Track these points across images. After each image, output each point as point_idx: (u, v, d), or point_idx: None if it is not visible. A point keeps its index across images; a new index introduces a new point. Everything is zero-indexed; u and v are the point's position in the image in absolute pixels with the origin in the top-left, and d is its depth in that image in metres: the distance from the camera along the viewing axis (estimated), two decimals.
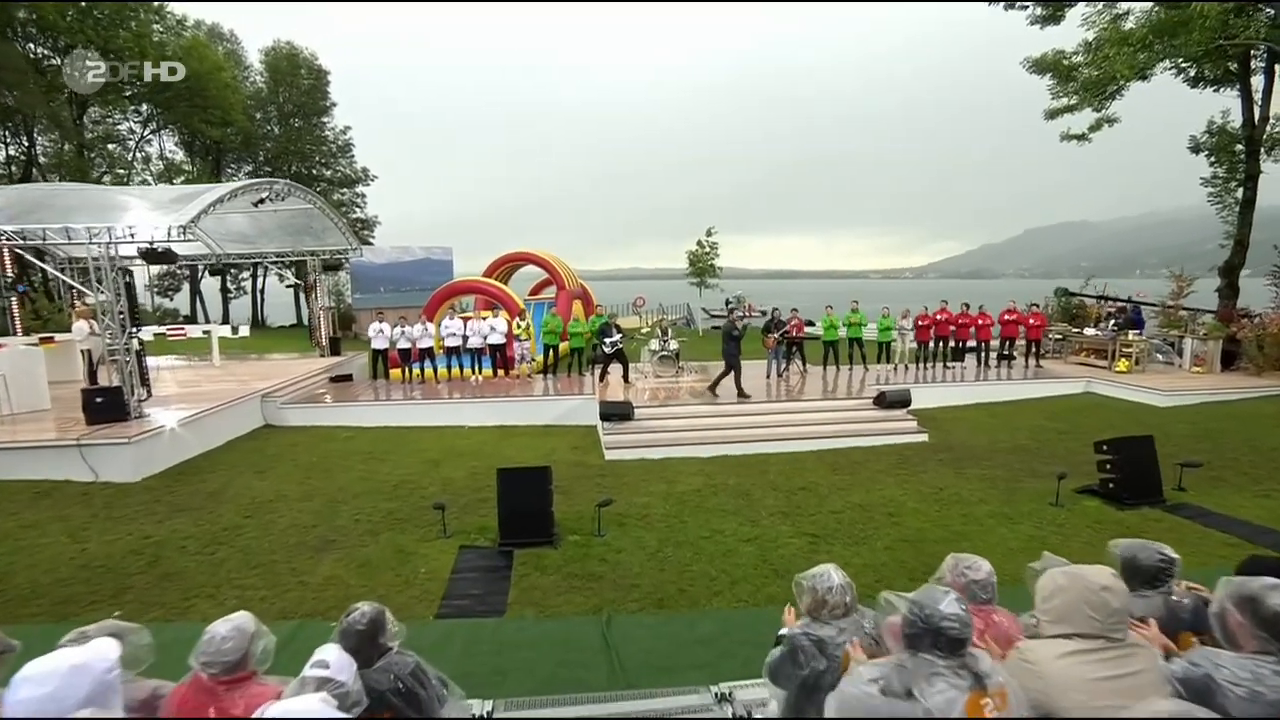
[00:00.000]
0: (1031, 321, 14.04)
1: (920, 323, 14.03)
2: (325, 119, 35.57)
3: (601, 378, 12.88)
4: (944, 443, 9.84)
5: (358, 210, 36.69)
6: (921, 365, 14.14)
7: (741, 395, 11.22)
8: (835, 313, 14.22)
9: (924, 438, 10.02)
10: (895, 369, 14.06)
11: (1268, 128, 15.38)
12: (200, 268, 31.36)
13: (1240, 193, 16.05)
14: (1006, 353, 14.37)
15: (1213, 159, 16.52)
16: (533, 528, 6.25)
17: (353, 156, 36.50)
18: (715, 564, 5.91)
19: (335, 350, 15.88)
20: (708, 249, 28.15)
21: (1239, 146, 15.89)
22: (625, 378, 12.99)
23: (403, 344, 13.06)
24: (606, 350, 12.47)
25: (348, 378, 13.72)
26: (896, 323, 14.19)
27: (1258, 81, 15.47)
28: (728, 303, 22.81)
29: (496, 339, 13.26)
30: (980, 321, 14.07)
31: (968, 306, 14.19)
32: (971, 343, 14.52)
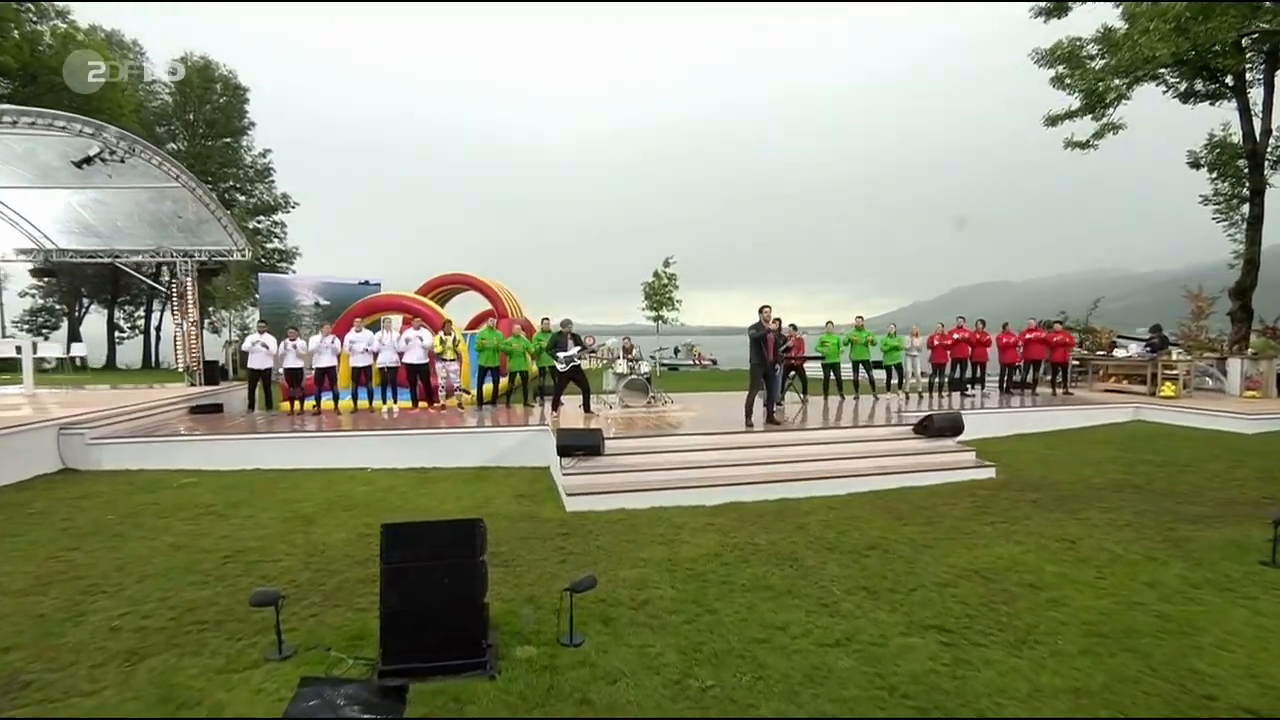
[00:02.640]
0: (1057, 341, 12.06)
1: (936, 342, 11.87)
2: (242, 140, 32.21)
3: (554, 406, 10.03)
4: (1018, 479, 7.43)
5: (276, 240, 33.06)
6: (936, 393, 11.91)
7: (748, 422, 8.62)
8: (835, 330, 11.90)
9: (991, 472, 7.59)
10: (906, 397, 11.77)
11: (1271, 140, 14.37)
12: (57, 287, 26.87)
13: (1246, 209, 14.91)
14: (1029, 378, 12.33)
15: (1215, 175, 15.44)
16: (447, 636, 3.33)
17: (272, 181, 33.09)
18: (800, 698, 3.12)
19: (213, 379, 12.42)
20: (665, 280, 25.98)
21: (1241, 161, 14.83)
22: (585, 406, 10.18)
23: (292, 361, 9.90)
24: (560, 367, 9.67)
25: (216, 409, 10.35)
26: (906, 342, 11.97)
27: (1256, 95, 14.53)
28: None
29: (416, 356, 10.24)
30: (1003, 341, 12.03)
31: (984, 324, 12.16)
32: (971, 370, 12.40)
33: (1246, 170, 14.79)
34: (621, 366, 11.29)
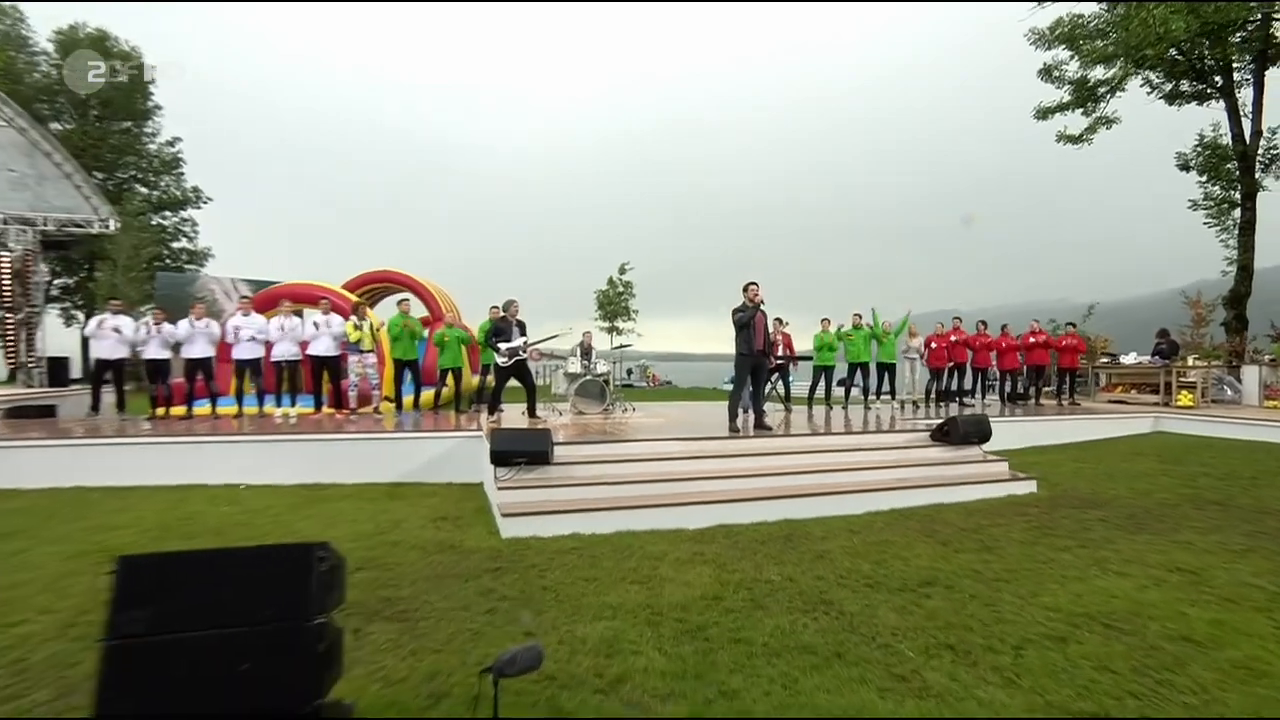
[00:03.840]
0: (1065, 345, 11.14)
1: (934, 344, 10.78)
2: (146, 125, 29.51)
3: (492, 410, 8.42)
4: (1067, 494, 6.22)
5: (185, 239, 30.27)
6: (934, 402, 10.79)
7: (732, 427, 7.24)
8: (831, 326, 10.71)
9: (1032, 486, 6.37)
10: (903, 406, 10.61)
11: (1263, 142, 14.08)
12: None
13: (1238, 213, 14.57)
14: (1031, 387, 11.38)
15: (1205, 177, 15.10)
16: None
17: (181, 173, 30.38)
18: None
19: (61, 379, 10.25)
20: (621, 288, 24.61)
21: (1231, 164, 14.51)
22: (530, 410, 8.61)
23: (154, 352, 8.01)
24: (500, 360, 8.10)
25: (45, 411, 8.31)
26: (902, 343, 10.85)
27: (1245, 95, 14.27)
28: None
29: (324, 346, 8.47)
30: (1003, 345, 11.04)
31: (984, 325, 11.17)
32: (972, 377, 11.41)
33: (1237, 173, 14.47)
34: (574, 366, 9.76)
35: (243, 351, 8.27)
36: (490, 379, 8.70)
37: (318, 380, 8.78)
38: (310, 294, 10.82)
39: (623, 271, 24.97)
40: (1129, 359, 11.95)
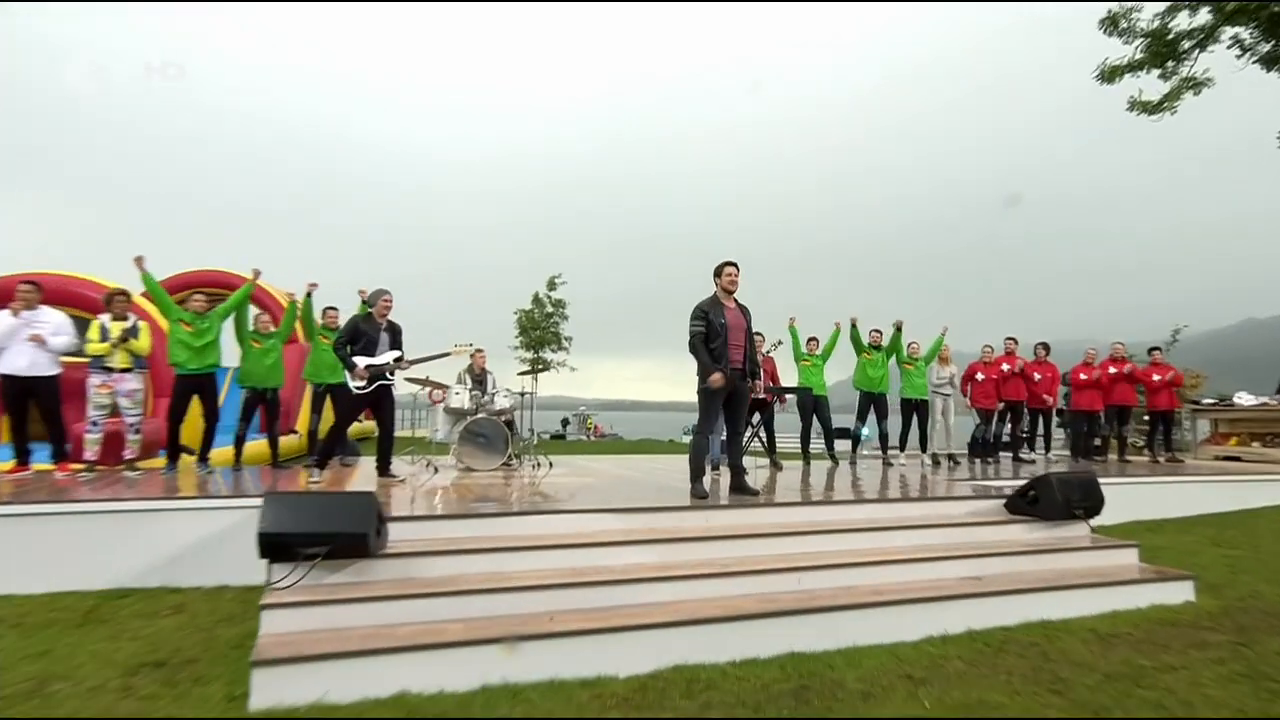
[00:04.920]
0: (1156, 379, 9.98)
1: (979, 375, 9.53)
2: None
3: (324, 461, 6.64)
4: (1246, 603, 4.83)
5: None
6: (982, 457, 9.53)
7: (699, 490, 5.67)
8: (819, 348, 9.43)
9: (1187, 590, 4.93)
10: (936, 462, 9.35)
11: None
12: None
13: None
14: (1111, 435, 10.20)
15: None
16: None
17: None
18: None
19: None
20: (550, 307, 23.00)
21: None
22: (382, 465, 6.85)
23: None
24: (355, 385, 6.41)
25: None
26: (932, 374, 9.55)
27: None
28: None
29: (35, 361, 6.52)
30: (1078, 378, 9.93)
31: (1046, 349, 10.03)
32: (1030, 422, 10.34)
33: None
34: (459, 399, 8.06)
35: None
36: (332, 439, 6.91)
37: (51, 425, 6.78)
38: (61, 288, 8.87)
39: (553, 286, 23.41)
40: (1245, 399, 10.90)
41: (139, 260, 6.68)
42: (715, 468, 7.83)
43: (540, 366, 20.64)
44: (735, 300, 5.81)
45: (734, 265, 5.77)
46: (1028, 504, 5.58)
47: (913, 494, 6.46)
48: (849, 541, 5.11)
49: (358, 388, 6.42)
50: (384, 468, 6.77)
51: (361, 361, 6.45)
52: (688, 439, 9.16)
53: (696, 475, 5.77)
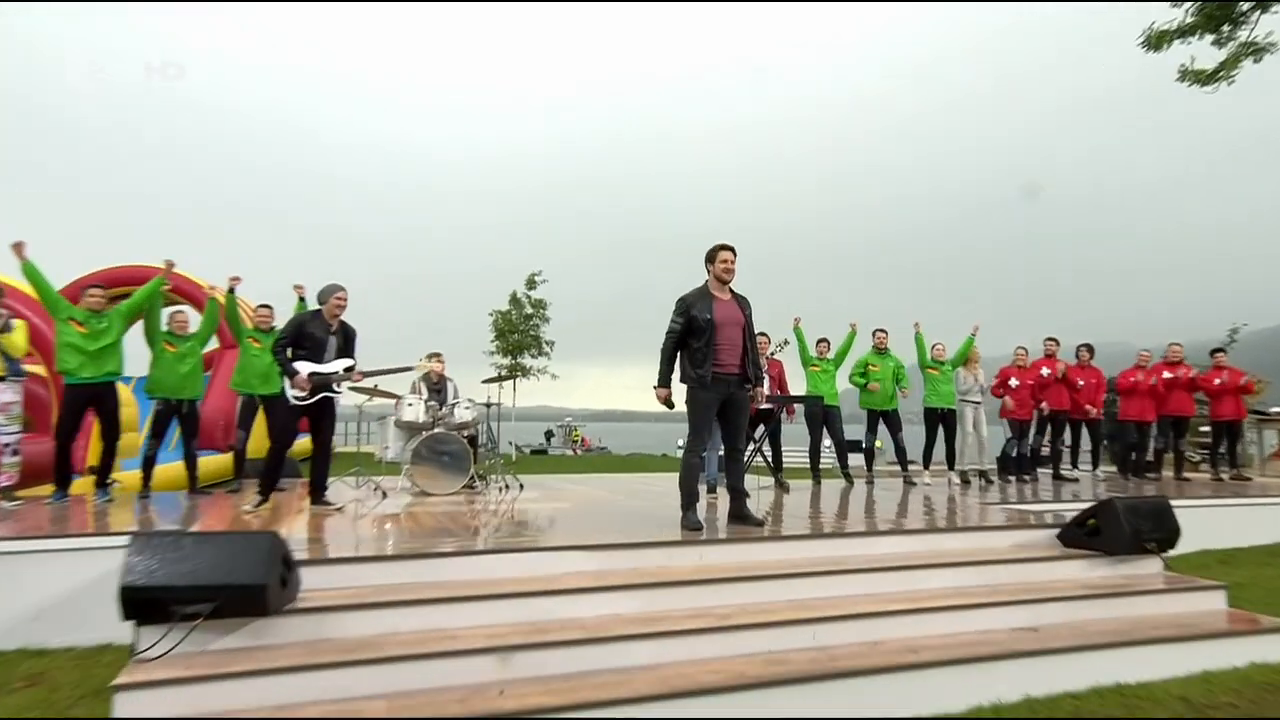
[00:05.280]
0: (1218, 382, 9.45)
1: (1013, 382, 9.02)
2: None
3: (267, 491, 6.02)
4: None
5: None
6: (1016, 477, 9.10)
7: (691, 520, 5.10)
8: (830, 351, 9.14)
9: None
10: (965, 481, 8.97)
11: None
12: None
13: None
14: (1165, 447, 9.73)
15: None
16: None
17: None
18: None
19: None
20: (530, 308, 22.37)
21: None
22: (315, 491, 6.24)
23: None
24: (294, 394, 5.84)
25: None
26: (960, 380, 9.06)
27: None
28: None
29: None
30: (1127, 383, 9.45)
31: (1090, 351, 9.56)
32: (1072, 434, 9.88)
33: None
34: (414, 411, 7.48)
35: None
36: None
37: None
38: None
39: (532, 285, 22.76)
40: None
41: (18, 247, 6.04)
42: (712, 490, 7.31)
43: (508, 374, 20.00)
44: (731, 291, 5.28)
45: (730, 250, 5.24)
46: (1087, 535, 5.02)
47: (947, 522, 5.92)
48: (874, 583, 4.54)
49: (297, 398, 5.82)
50: (318, 493, 6.16)
51: (305, 368, 5.84)
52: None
53: (689, 501, 5.20)
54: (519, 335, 22.16)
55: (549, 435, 39.47)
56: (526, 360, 22.24)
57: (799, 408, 8.80)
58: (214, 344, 9.05)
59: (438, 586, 3.99)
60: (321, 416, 6.11)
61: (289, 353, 5.85)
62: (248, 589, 3.26)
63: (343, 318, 6.13)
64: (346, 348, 6.10)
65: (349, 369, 6.06)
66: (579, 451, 32.87)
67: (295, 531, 5.13)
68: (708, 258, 5.26)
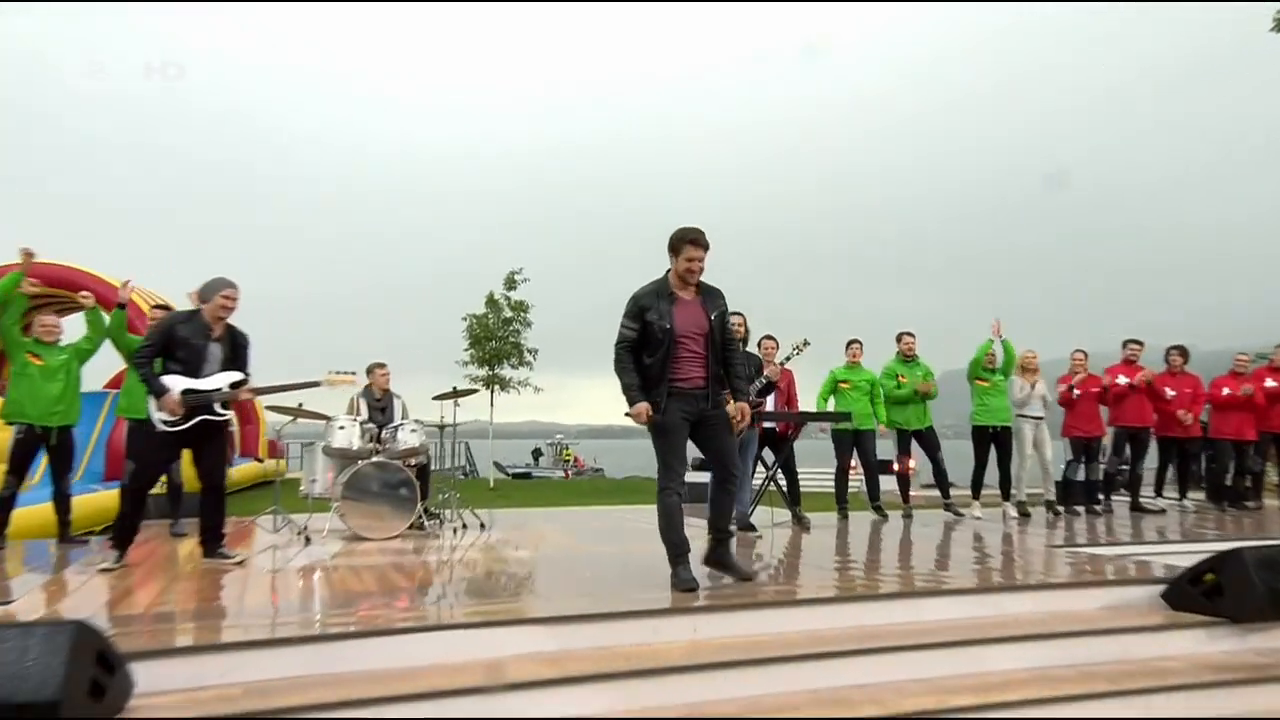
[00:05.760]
0: None
1: (1077, 391, 8.61)
2: None
3: (122, 544, 5.28)
4: None
5: None
6: (1087, 506, 8.67)
7: (683, 578, 4.41)
8: (861, 356, 8.65)
9: None
10: (1022, 513, 8.46)
11: None
12: None
13: None
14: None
15: None
16: None
17: None
18: None
19: None
20: (509, 311, 21.80)
21: None
22: (208, 539, 5.48)
23: None
24: (156, 419, 5.16)
25: None
26: (1016, 388, 8.61)
27: None
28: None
29: None
30: (1219, 395, 9.01)
31: (1183, 355, 9.20)
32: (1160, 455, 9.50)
33: None
34: (346, 436, 6.80)
35: None
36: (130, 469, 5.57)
37: None
38: None
39: (512, 285, 22.18)
40: None
41: None
42: (725, 526, 6.62)
43: (466, 389, 19.58)
44: (699, 286, 4.66)
45: (698, 244, 4.56)
46: (1205, 595, 4.28)
47: (1012, 575, 5.17)
48: (925, 664, 3.84)
49: (166, 423, 5.07)
50: (211, 543, 5.41)
51: (176, 384, 5.09)
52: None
53: (677, 553, 4.49)
54: (496, 342, 21.63)
55: (537, 454, 38.89)
56: (506, 371, 21.76)
57: (808, 431, 8.44)
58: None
59: (334, 683, 3.24)
60: (205, 446, 5.37)
61: (153, 365, 5.12)
62: (30, 709, 2.50)
63: (231, 321, 5.40)
64: (235, 358, 5.37)
65: (236, 384, 5.31)
66: (569, 474, 32.28)
67: (162, 599, 4.40)
68: (671, 247, 4.61)
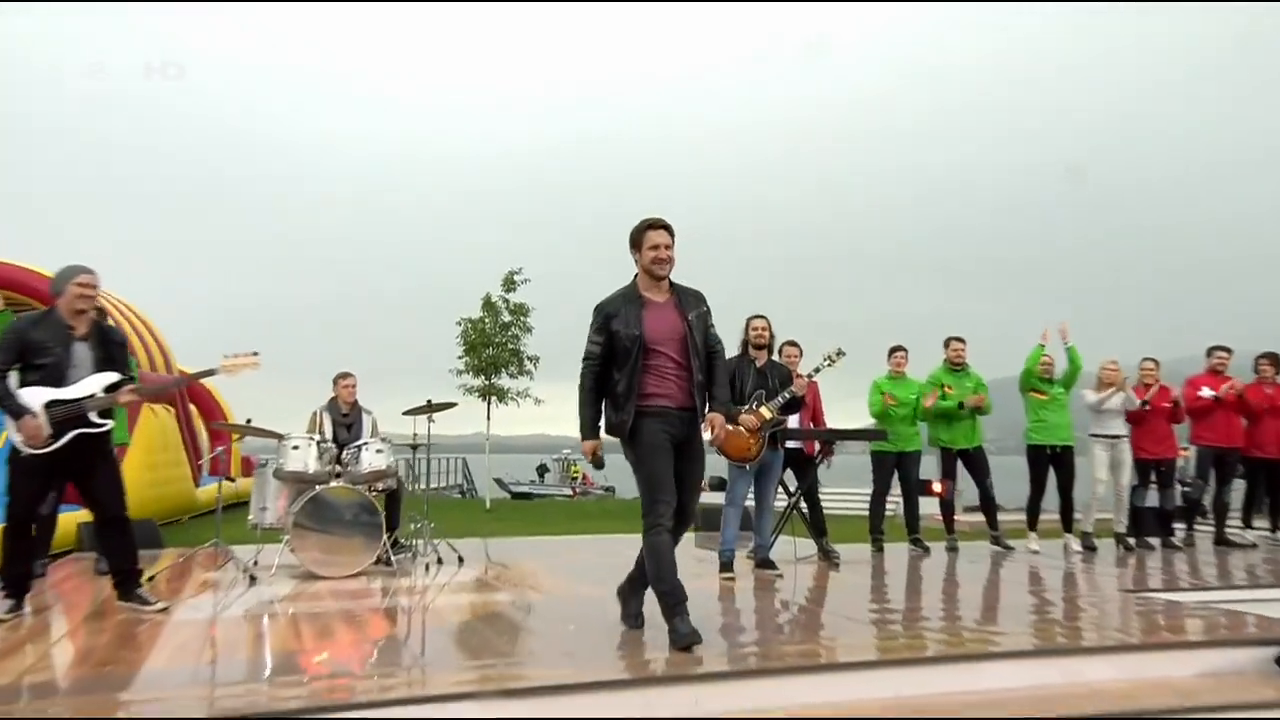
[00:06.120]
0: None
1: (1151, 403, 8.20)
2: None
3: (17, 589, 4.87)
4: None
5: None
6: (1163, 539, 8.38)
7: (681, 632, 3.93)
8: (906, 365, 8.46)
9: None
10: (1091, 549, 8.00)
11: None
12: None
13: None
14: None
15: None
16: None
17: None
18: None
19: None
20: (508, 314, 21.55)
21: None
22: (122, 580, 5.08)
23: None
24: (24, 444, 4.79)
25: None
26: (1091, 398, 8.26)
27: None
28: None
29: None
30: None
31: (1274, 366, 8.79)
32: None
33: None
34: (301, 457, 6.41)
35: None
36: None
37: None
38: None
39: (511, 286, 21.92)
40: None
41: None
42: (726, 568, 6.35)
43: (443, 404, 19.28)
44: (672, 287, 4.29)
45: (662, 228, 4.22)
46: None
47: (1082, 629, 4.66)
48: None
49: (32, 447, 4.61)
50: (126, 585, 4.97)
51: (37, 397, 4.62)
52: (717, 499, 8.12)
53: (672, 603, 4.01)
54: (494, 349, 21.37)
55: (542, 471, 38.62)
56: (504, 381, 21.53)
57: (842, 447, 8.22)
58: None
59: None
60: (91, 470, 4.92)
61: (7, 380, 4.70)
62: None
63: (96, 317, 5.00)
64: (109, 358, 4.94)
65: (112, 387, 4.84)
66: (577, 492, 31.94)
67: (43, 663, 3.96)
68: (632, 242, 4.28)
